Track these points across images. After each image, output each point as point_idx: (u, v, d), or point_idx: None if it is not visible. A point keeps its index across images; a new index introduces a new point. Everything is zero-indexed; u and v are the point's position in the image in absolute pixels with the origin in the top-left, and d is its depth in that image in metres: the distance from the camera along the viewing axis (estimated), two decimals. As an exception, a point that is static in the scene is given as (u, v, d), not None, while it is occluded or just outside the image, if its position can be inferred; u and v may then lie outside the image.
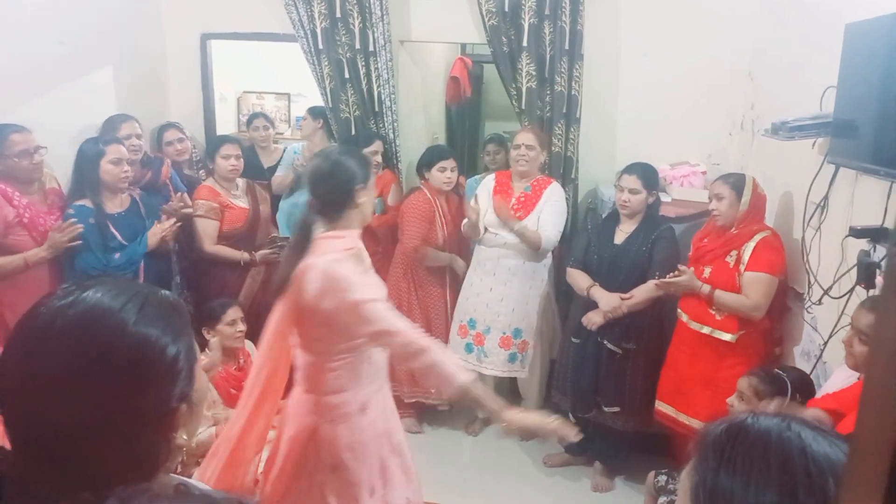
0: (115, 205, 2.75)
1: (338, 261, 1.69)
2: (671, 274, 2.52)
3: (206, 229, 3.07)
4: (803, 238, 2.40)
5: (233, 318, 2.73)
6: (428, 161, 3.23)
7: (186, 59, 3.71)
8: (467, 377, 1.65)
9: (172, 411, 0.71)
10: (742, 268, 2.42)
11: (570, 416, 3.03)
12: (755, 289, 2.38)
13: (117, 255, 2.70)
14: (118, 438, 0.66)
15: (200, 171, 3.50)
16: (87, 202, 2.65)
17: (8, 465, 0.64)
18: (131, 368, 0.68)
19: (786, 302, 2.54)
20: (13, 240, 2.44)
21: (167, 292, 0.79)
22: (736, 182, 2.48)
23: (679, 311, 2.62)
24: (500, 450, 3.25)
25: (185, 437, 0.75)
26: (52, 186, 2.71)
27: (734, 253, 2.47)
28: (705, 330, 2.49)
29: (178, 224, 2.92)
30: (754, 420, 0.72)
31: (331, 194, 1.78)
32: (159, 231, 2.82)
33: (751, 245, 2.42)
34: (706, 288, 2.45)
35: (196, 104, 3.80)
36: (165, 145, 3.33)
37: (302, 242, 1.75)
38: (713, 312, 2.48)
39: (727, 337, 2.44)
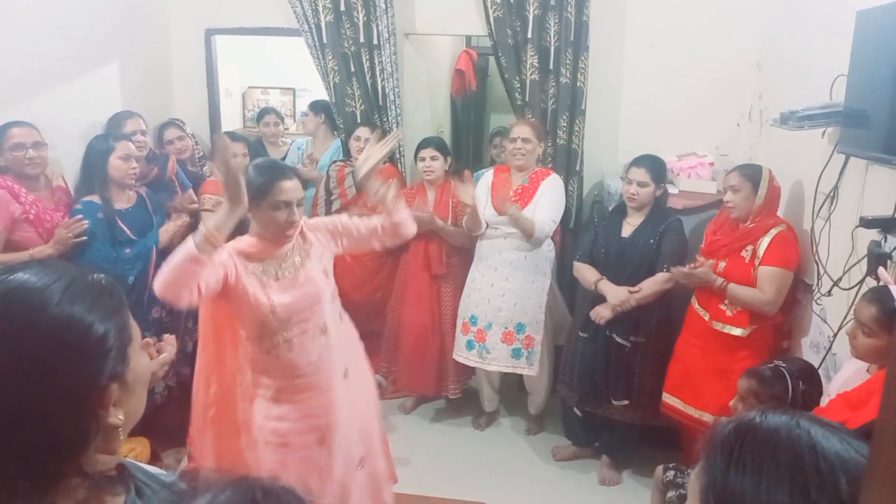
0: (123, 200, 2.75)
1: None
2: (690, 265, 2.49)
3: (213, 224, 3.07)
4: (812, 229, 2.38)
5: None
6: (415, 152, 3.26)
7: (191, 54, 3.71)
8: (183, 246, 1.65)
9: (101, 390, 0.72)
10: (757, 262, 2.39)
11: (577, 410, 3.04)
12: (770, 283, 2.34)
13: (128, 251, 2.70)
14: (42, 415, 0.68)
15: (204, 168, 3.50)
16: (95, 198, 2.65)
17: None
18: (54, 346, 0.69)
19: (795, 294, 2.51)
20: (20, 236, 2.45)
21: (101, 275, 0.79)
22: (752, 174, 2.43)
23: (696, 304, 2.58)
24: (508, 444, 3.25)
25: (121, 416, 0.74)
26: (59, 184, 2.72)
27: (750, 248, 2.42)
28: (716, 326, 2.47)
29: (189, 221, 2.93)
30: (763, 418, 0.72)
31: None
32: (172, 228, 2.83)
33: (766, 239, 2.38)
34: (720, 281, 2.42)
35: (201, 100, 3.80)
36: (166, 143, 3.33)
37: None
38: (724, 308, 2.45)
39: (738, 332, 2.42)
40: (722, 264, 2.48)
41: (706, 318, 2.52)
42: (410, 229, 2.14)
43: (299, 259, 1.93)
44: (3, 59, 2.56)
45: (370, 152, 1.98)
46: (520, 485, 2.94)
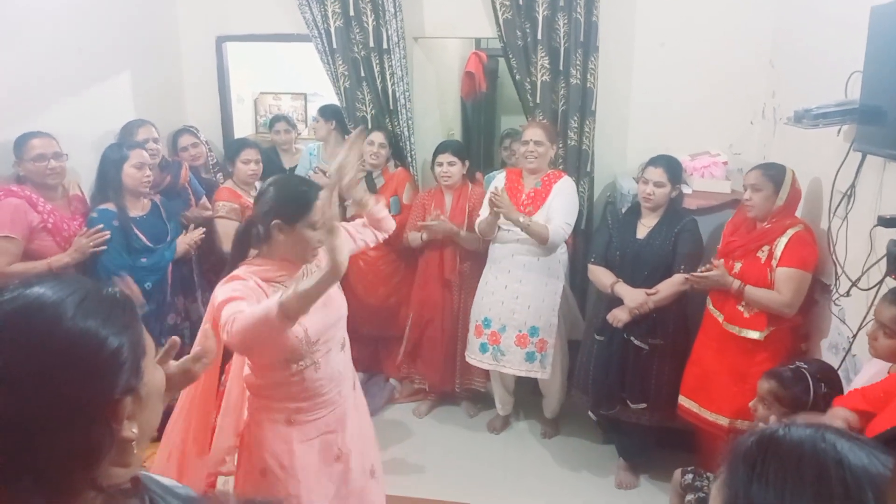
0: (138, 208, 2.78)
1: (226, 280, 1.66)
2: (702, 268, 2.47)
3: (227, 230, 3.08)
4: (829, 228, 2.35)
5: None
6: (433, 156, 3.26)
7: (202, 61, 3.74)
8: (276, 300, 1.43)
9: (115, 403, 0.72)
10: (774, 263, 2.35)
11: (591, 413, 3.02)
12: (788, 285, 2.30)
13: (144, 260, 2.73)
14: (56, 428, 0.68)
15: (218, 175, 3.53)
16: (110, 206, 2.68)
17: None
18: (68, 360, 0.70)
19: (813, 295, 2.47)
20: (38, 245, 2.48)
21: (115, 288, 0.80)
22: (775, 174, 2.38)
23: (711, 307, 2.55)
24: (523, 447, 3.24)
25: (134, 430, 0.74)
26: (76, 193, 2.75)
27: (766, 248, 2.39)
28: (733, 329, 2.42)
29: (204, 233, 2.97)
30: (786, 431, 0.70)
31: (254, 219, 1.76)
32: (188, 240, 2.87)
33: (783, 240, 2.34)
34: (736, 283, 2.39)
35: (213, 106, 3.83)
36: (180, 150, 3.36)
37: (233, 259, 1.75)
38: (741, 310, 2.41)
39: (755, 335, 2.38)
40: (737, 265, 2.44)
41: (720, 320, 2.48)
42: (391, 224, 2.13)
43: (300, 273, 1.84)
44: (18, 72, 2.60)
45: (343, 162, 1.60)
46: (535, 489, 2.93)
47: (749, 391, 2.17)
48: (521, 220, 2.85)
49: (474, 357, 3.13)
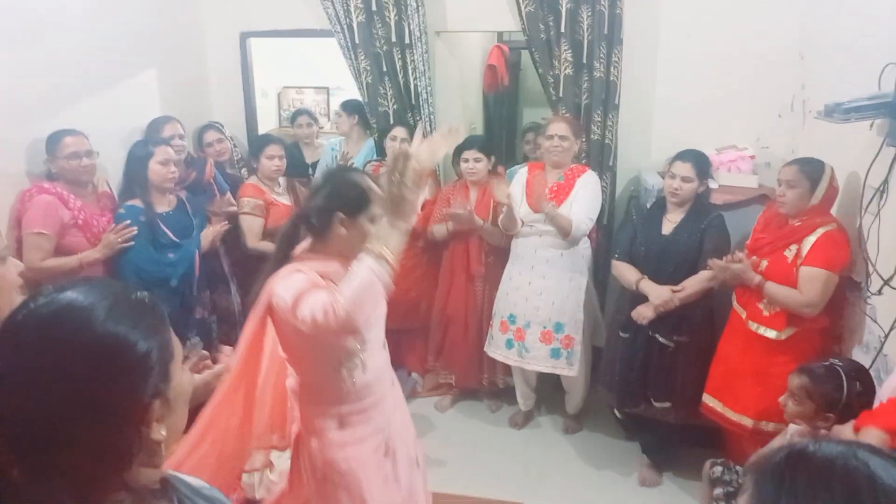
0: (164, 204, 2.83)
1: (286, 274, 1.61)
2: (728, 256, 2.40)
3: (252, 226, 3.13)
4: (860, 225, 2.29)
5: None
6: (457, 152, 3.24)
7: (227, 57, 3.77)
8: (369, 256, 1.44)
9: (144, 406, 0.74)
10: (800, 262, 2.28)
11: (615, 412, 3.00)
12: (810, 285, 2.23)
13: (171, 255, 2.77)
14: (87, 431, 0.70)
15: (243, 170, 3.56)
16: (137, 202, 2.73)
17: None
18: (99, 364, 0.71)
19: (844, 295, 2.40)
20: (69, 241, 2.53)
21: (144, 293, 0.81)
22: (812, 171, 2.29)
23: (736, 304, 2.51)
24: (545, 443, 3.24)
25: (163, 432, 0.76)
26: (104, 189, 2.80)
27: (794, 246, 2.31)
28: (751, 325, 2.38)
29: (228, 225, 3.00)
30: (816, 447, 0.68)
31: (311, 211, 1.70)
32: (211, 233, 2.91)
33: (811, 239, 2.26)
34: (757, 279, 2.33)
35: (237, 102, 3.87)
36: (206, 146, 3.40)
37: (280, 254, 1.69)
38: (761, 307, 2.36)
39: (772, 334, 2.33)
40: (764, 263, 2.38)
41: (743, 317, 2.44)
42: None
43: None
44: (48, 71, 2.65)
45: (434, 144, 1.57)
46: (557, 485, 2.93)
47: (773, 392, 2.13)
48: (547, 209, 2.83)
49: (499, 352, 3.13)
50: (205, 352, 1.14)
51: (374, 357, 1.79)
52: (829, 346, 2.44)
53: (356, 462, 1.76)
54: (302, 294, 1.50)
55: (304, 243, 1.75)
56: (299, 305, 1.49)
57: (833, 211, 2.48)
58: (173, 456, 1.70)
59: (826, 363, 1.99)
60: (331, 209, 1.66)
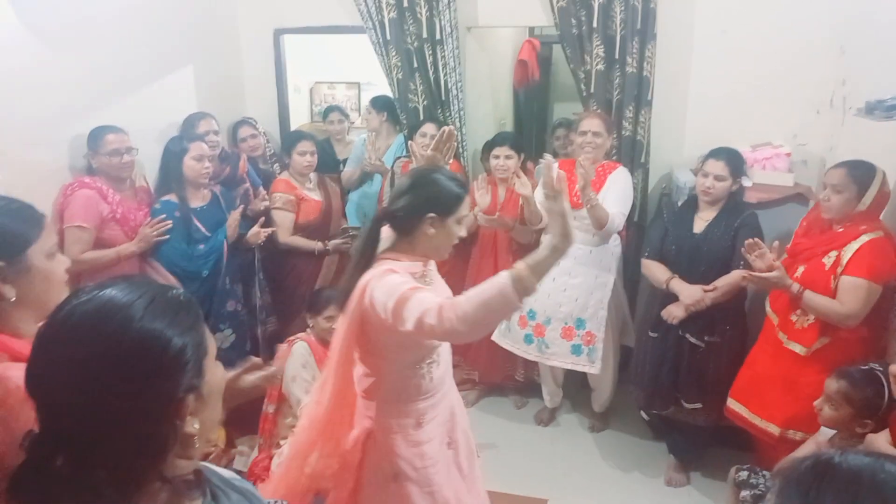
0: (198, 199, 2.89)
1: (381, 274, 1.60)
2: (758, 252, 2.27)
3: (283, 221, 3.18)
4: (901, 227, 2.22)
5: (330, 315, 2.65)
6: (486, 149, 3.22)
7: (261, 54, 3.83)
8: (507, 276, 1.38)
9: (179, 401, 0.77)
10: (839, 271, 2.15)
11: (643, 413, 2.97)
12: (851, 295, 2.10)
13: (201, 247, 2.84)
14: (124, 424, 0.73)
15: (275, 165, 3.62)
16: (172, 197, 2.80)
17: (34, 445, 0.74)
18: (136, 360, 0.75)
19: (889, 305, 2.26)
20: (107, 234, 2.61)
21: (179, 290, 0.85)
22: (862, 175, 2.14)
23: (769, 310, 2.42)
24: (571, 440, 3.23)
25: (196, 426, 0.79)
26: (142, 184, 2.88)
27: (833, 253, 2.18)
28: (782, 337, 2.28)
29: (265, 225, 3.06)
30: (843, 458, 0.66)
31: (400, 211, 1.69)
32: (233, 221, 2.94)
33: (853, 246, 2.13)
34: (795, 287, 2.20)
35: (271, 98, 3.93)
36: (240, 142, 3.46)
37: (365, 254, 1.69)
38: (793, 319, 2.26)
39: (799, 349, 2.22)
40: (801, 269, 2.28)
41: (775, 323, 2.36)
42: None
43: (429, 267, 1.81)
44: (88, 68, 2.73)
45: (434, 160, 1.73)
46: (582, 483, 2.92)
47: (801, 400, 2.06)
48: (591, 197, 2.74)
49: (519, 347, 3.13)
50: (257, 359, 1.21)
51: (443, 352, 1.81)
52: (868, 358, 2.30)
53: (429, 458, 1.79)
54: (404, 295, 1.48)
55: (385, 242, 1.75)
56: (404, 307, 1.47)
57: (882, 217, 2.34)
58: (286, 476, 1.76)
59: (865, 367, 1.94)
60: (422, 210, 1.66)
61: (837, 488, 0.64)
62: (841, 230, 2.22)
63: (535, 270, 1.37)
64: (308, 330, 2.73)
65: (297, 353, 2.63)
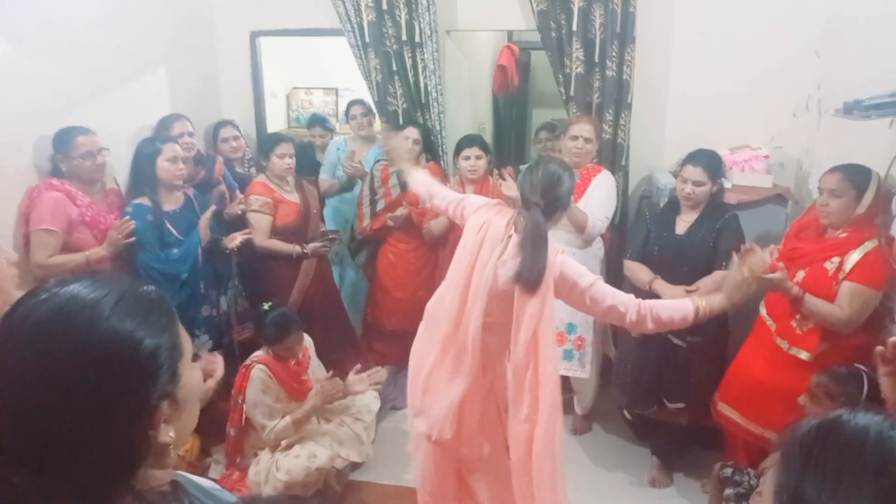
0: (171, 202, 2.81)
1: (565, 260, 1.89)
2: (745, 247, 2.19)
3: (260, 224, 3.11)
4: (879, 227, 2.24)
5: (290, 346, 2.62)
6: (456, 150, 3.24)
7: (237, 57, 3.77)
8: (691, 304, 1.87)
9: (152, 409, 0.70)
10: (841, 277, 2.12)
11: (626, 413, 2.96)
12: (851, 301, 2.08)
13: (175, 251, 2.76)
14: (91, 436, 0.66)
15: (251, 169, 3.55)
16: (144, 200, 2.72)
17: None
18: (104, 364, 0.67)
19: (885, 312, 2.23)
20: (76, 238, 2.52)
21: (151, 287, 0.77)
22: (859, 179, 2.13)
23: (765, 314, 2.39)
24: (554, 444, 3.19)
25: (171, 434, 0.72)
26: (112, 187, 2.79)
27: (836, 259, 2.16)
28: (782, 344, 2.26)
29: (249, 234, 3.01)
30: (851, 416, 0.64)
31: (560, 202, 1.92)
32: (204, 223, 2.87)
33: (857, 254, 2.11)
34: (796, 290, 2.16)
35: (247, 101, 3.86)
36: (221, 142, 3.39)
37: (541, 240, 1.85)
38: (794, 325, 2.24)
39: (804, 355, 2.19)
40: (800, 274, 2.24)
41: (772, 329, 2.32)
42: None
43: None
44: (59, 68, 2.65)
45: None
46: (568, 485, 2.88)
47: (801, 408, 2.06)
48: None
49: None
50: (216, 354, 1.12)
51: None
52: (865, 364, 2.34)
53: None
54: (596, 281, 1.87)
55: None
56: (608, 294, 1.86)
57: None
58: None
59: (849, 365, 1.95)
60: (566, 201, 1.95)
61: (842, 446, 0.62)
62: (844, 235, 2.18)
63: (709, 310, 1.86)
64: (264, 348, 2.64)
65: (255, 378, 2.54)
